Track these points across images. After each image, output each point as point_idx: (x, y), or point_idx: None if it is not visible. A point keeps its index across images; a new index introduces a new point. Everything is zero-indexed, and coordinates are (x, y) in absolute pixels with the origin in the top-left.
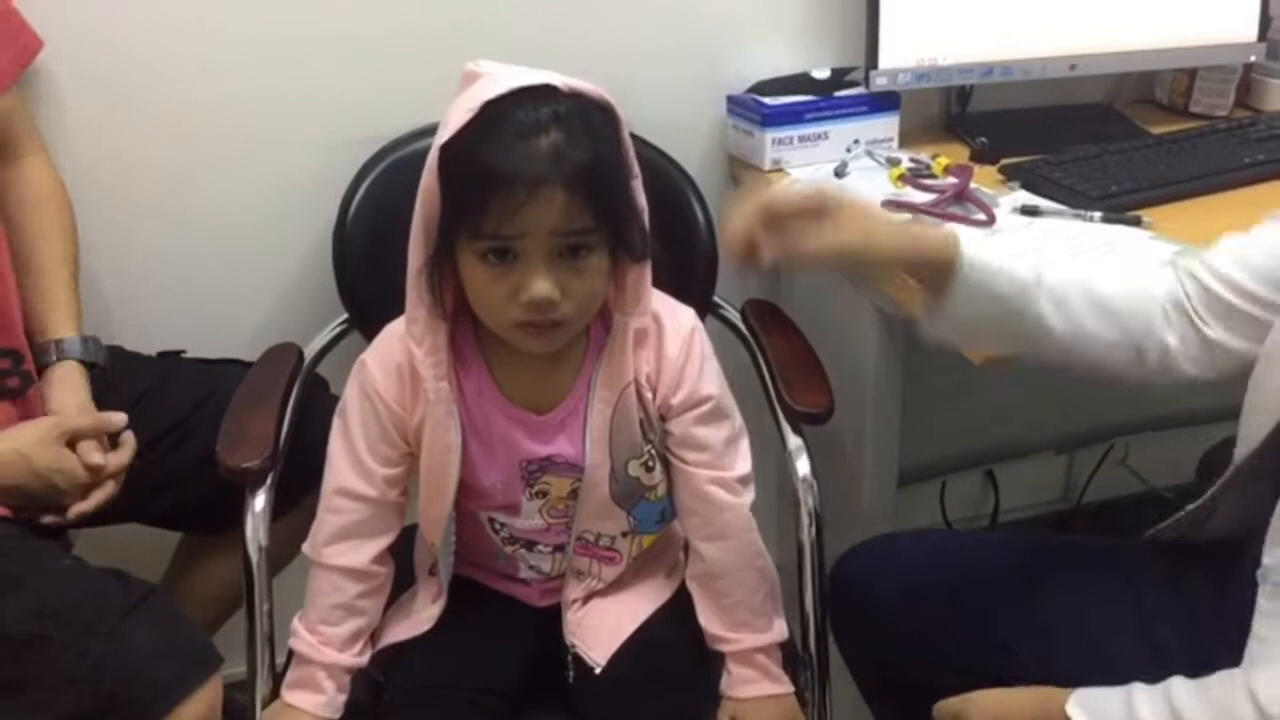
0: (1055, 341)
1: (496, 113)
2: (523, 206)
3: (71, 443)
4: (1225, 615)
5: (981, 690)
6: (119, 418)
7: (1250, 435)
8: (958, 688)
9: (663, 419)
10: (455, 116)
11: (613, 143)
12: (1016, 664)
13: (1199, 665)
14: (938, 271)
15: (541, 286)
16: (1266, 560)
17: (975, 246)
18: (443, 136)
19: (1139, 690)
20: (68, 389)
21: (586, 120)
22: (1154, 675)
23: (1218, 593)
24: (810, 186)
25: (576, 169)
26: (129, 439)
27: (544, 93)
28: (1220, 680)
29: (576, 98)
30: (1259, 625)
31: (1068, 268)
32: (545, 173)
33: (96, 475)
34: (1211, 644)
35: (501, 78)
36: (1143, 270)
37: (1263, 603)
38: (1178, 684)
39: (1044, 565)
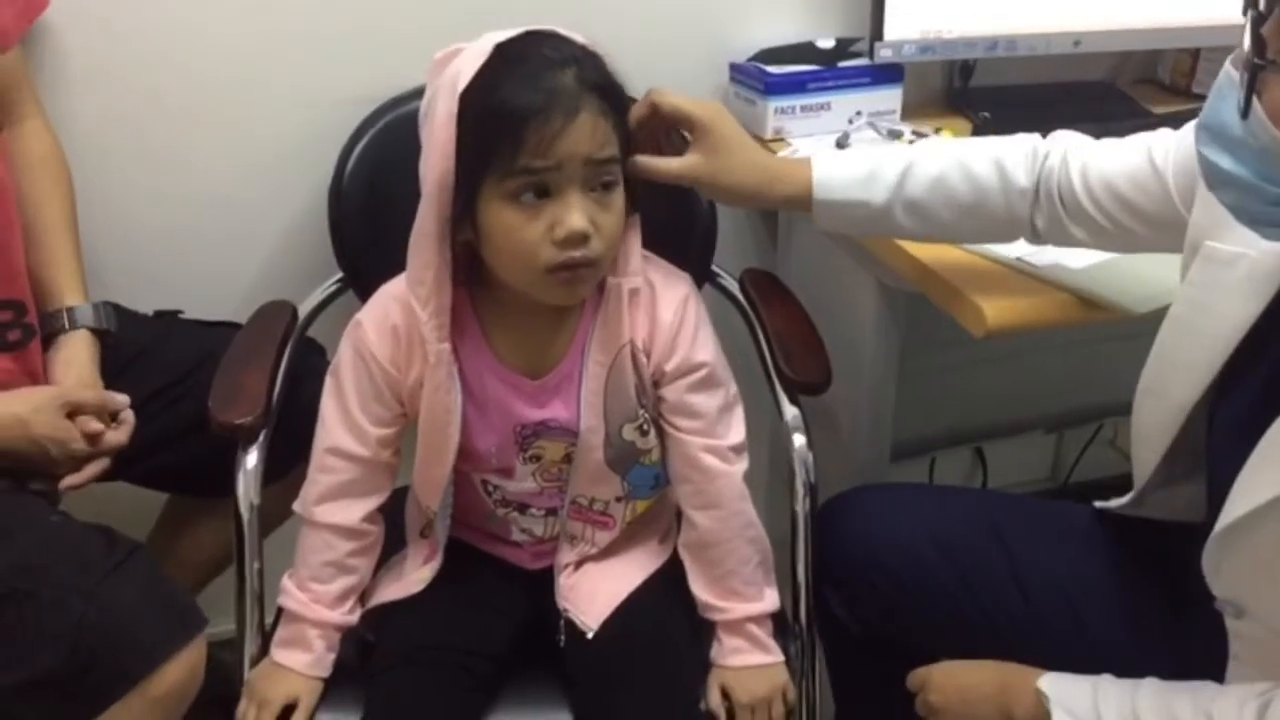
0: (918, 237)
1: (513, 53)
2: (559, 133)
3: (72, 415)
4: (1194, 580)
5: (948, 661)
6: (122, 398)
7: (1143, 461)
8: (929, 646)
9: (656, 385)
10: (467, 64)
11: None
12: (988, 623)
13: (1173, 634)
14: (797, 208)
15: (578, 218)
16: (1215, 593)
17: (828, 174)
18: (460, 84)
19: (1107, 685)
20: (76, 359)
21: (596, 59)
22: (1129, 643)
23: (1183, 562)
24: (691, 107)
25: (604, 95)
26: (129, 418)
27: (551, 34)
28: (1187, 695)
29: (577, 43)
30: (1235, 645)
31: (932, 170)
32: (578, 98)
33: (93, 446)
34: (1182, 610)
35: (492, 36)
36: (1012, 162)
37: (1231, 624)
38: (1146, 689)
39: (1019, 524)
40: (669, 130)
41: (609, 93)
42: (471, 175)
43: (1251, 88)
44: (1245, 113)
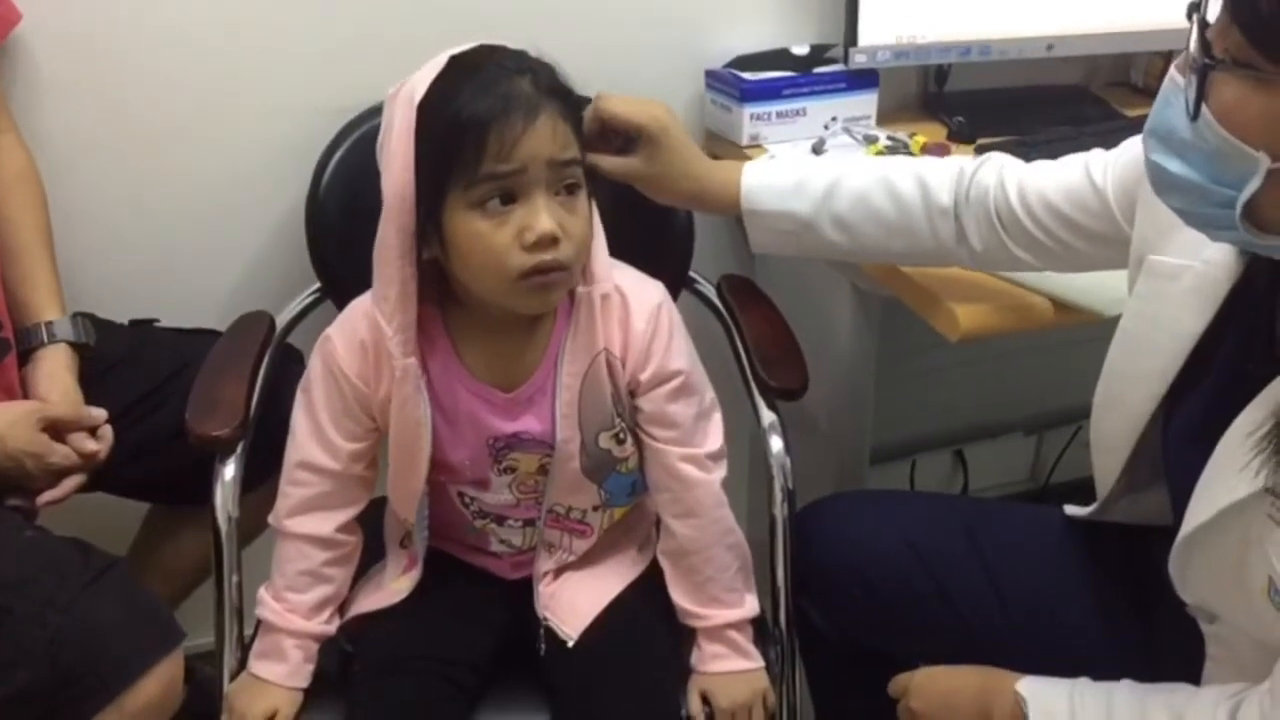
0: (850, 255)
1: (469, 64)
2: (520, 136)
3: (49, 430)
4: (1165, 582)
5: (929, 667)
6: (99, 413)
7: (1105, 472)
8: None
9: (632, 394)
10: (422, 77)
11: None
12: (964, 628)
13: (1148, 635)
14: (722, 212)
15: (545, 220)
16: (1185, 599)
17: (758, 183)
18: (416, 96)
19: (1083, 688)
20: (55, 373)
21: (549, 67)
22: (1105, 645)
23: (1154, 564)
24: (632, 113)
25: (562, 98)
26: (107, 433)
27: (505, 48)
28: (1162, 698)
29: (532, 56)
30: (1210, 647)
31: (857, 185)
32: (536, 101)
33: (70, 463)
34: (1156, 610)
35: (442, 56)
36: (936, 181)
37: (1205, 627)
38: (1121, 692)
39: (993, 529)
40: (621, 133)
41: (566, 97)
42: (434, 188)
43: (1201, 90)
44: (1195, 114)
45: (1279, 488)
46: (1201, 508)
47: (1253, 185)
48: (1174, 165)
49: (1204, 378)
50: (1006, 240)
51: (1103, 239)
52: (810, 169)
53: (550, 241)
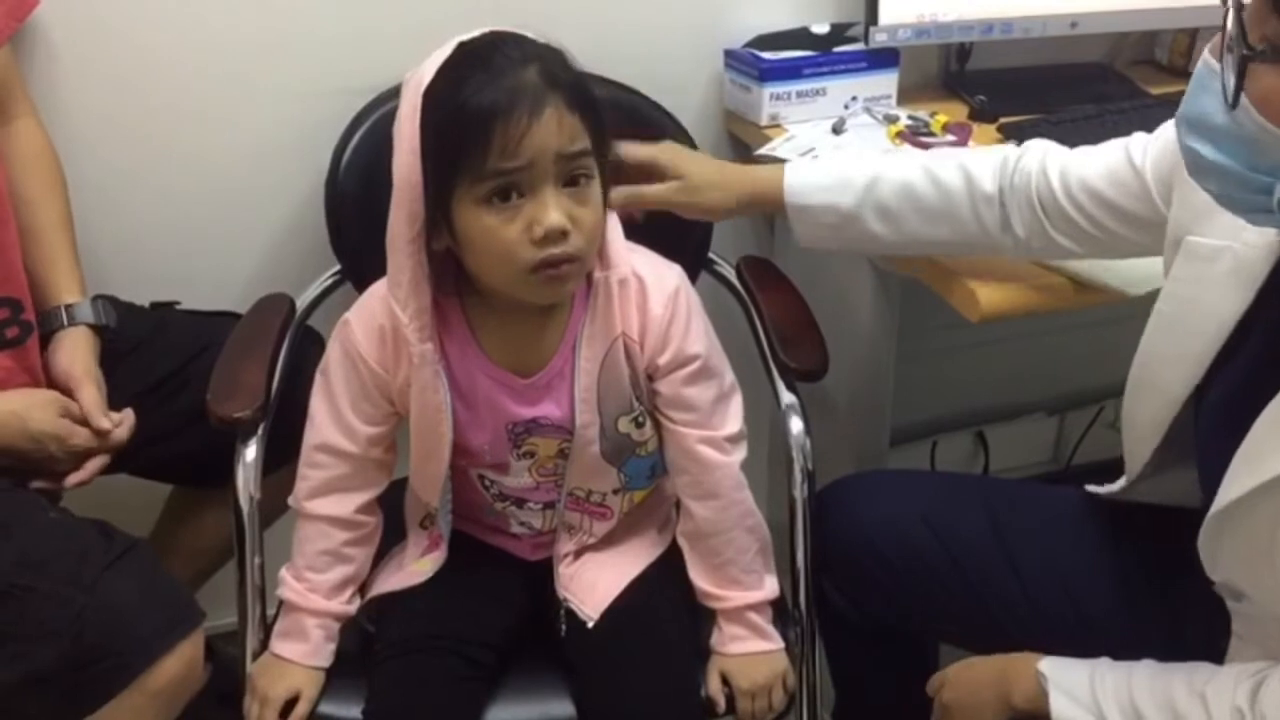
0: (892, 247)
1: (475, 53)
2: (527, 132)
3: (68, 418)
4: (1188, 561)
5: (964, 659)
6: (117, 417)
7: (1136, 455)
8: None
9: (650, 379)
10: (429, 63)
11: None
12: (984, 608)
13: (1169, 613)
14: (773, 211)
15: (554, 215)
16: (1213, 578)
17: (800, 180)
18: (423, 83)
19: (1104, 669)
20: (77, 356)
21: (559, 55)
22: (1124, 623)
23: (1176, 542)
24: (649, 154)
25: (572, 87)
26: (129, 417)
27: (514, 35)
28: (1182, 676)
29: (541, 43)
30: (1237, 624)
31: (899, 176)
32: (544, 94)
33: (92, 445)
34: (1177, 589)
35: (451, 42)
36: (979, 169)
37: (1232, 605)
38: (1141, 671)
39: (1013, 508)
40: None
41: (575, 87)
42: (441, 180)
43: (1241, 77)
44: (1235, 103)
45: None
46: (1235, 485)
47: None
48: (1209, 151)
49: (1239, 358)
50: (1048, 226)
51: (1143, 223)
52: (853, 164)
53: (559, 235)
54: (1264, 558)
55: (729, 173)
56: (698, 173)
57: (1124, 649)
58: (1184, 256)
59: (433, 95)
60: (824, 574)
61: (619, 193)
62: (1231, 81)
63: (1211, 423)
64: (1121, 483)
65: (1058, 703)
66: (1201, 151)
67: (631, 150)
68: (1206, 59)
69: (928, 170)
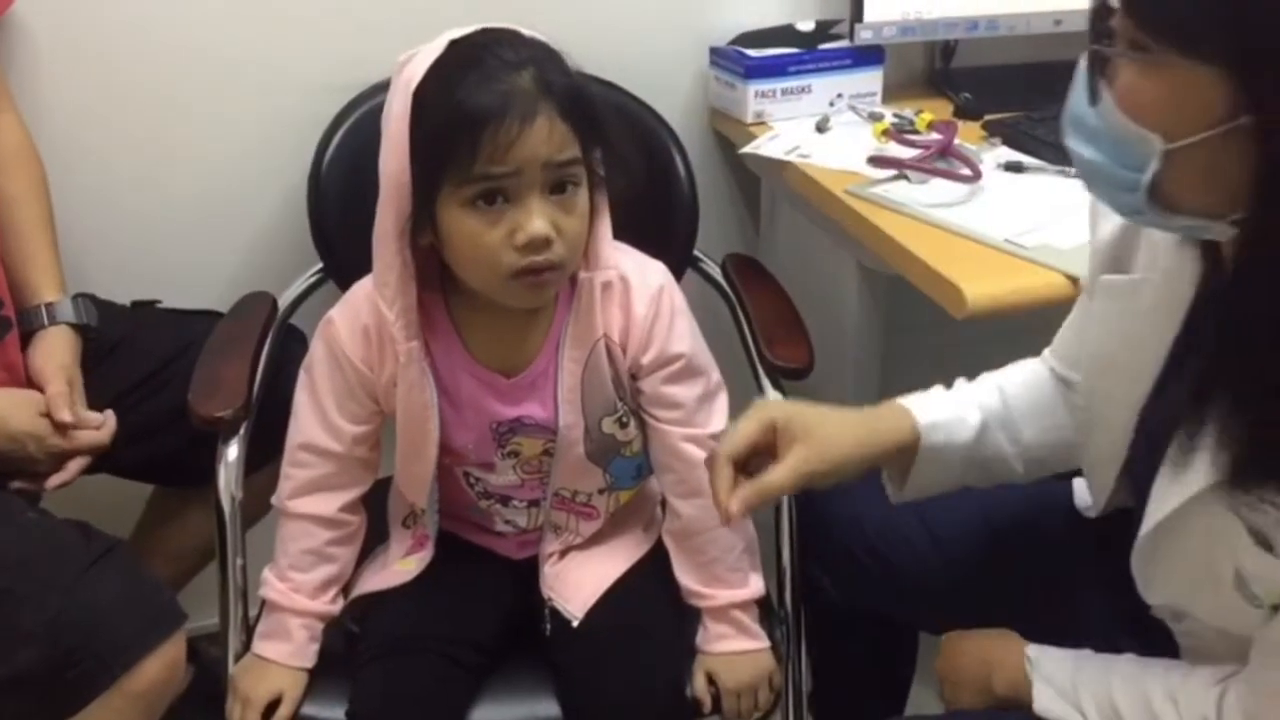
0: (1018, 468)
1: (468, 53)
2: (516, 139)
3: (48, 419)
4: None
5: (958, 631)
6: (98, 418)
7: (1100, 488)
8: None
9: (634, 378)
10: (421, 61)
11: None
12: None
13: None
14: (902, 455)
15: (538, 223)
16: (1149, 602)
17: (928, 418)
18: (413, 81)
19: (1086, 662)
20: (57, 355)
21: (555, 57)
22: (1111, 617)
23: None
24: (754, 421)
25: (565, 95)
26: (110, 418)
27: (508, 33)
28: (1159, 675)
29: (536, 42)
30: (1183, 642)
31: (993, 395)
32: (535, 101)
33: (72, 445)
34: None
35: (449, 34)
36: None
37: (1174, 626)
38: (1121, 668)
39: (1002, 502)
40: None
41: (569, 93)
42: (428, 179)
43: (1100, 75)
44: (1094, 99)
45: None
46: (1163, 503)
47: (1153, 167)
48: (1087, 151)
49: (1173, 385)
50: None
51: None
52: (956, 400)
53: (542, 243)
54: (1203, 571)
55: (841, 431)
56: (817, 426)
57: (1107, 643)
58: (1103, 297)
59: (424, 93)
60: (815, 564)
61: (748, 499)
62: (1092, 79)
63: (1147, 449)
64: (1093, 511)
65: (1040, 694)
66: (1080, 151)
67: (731, 445)
68: (1083, 61)
69: (998, 385)
